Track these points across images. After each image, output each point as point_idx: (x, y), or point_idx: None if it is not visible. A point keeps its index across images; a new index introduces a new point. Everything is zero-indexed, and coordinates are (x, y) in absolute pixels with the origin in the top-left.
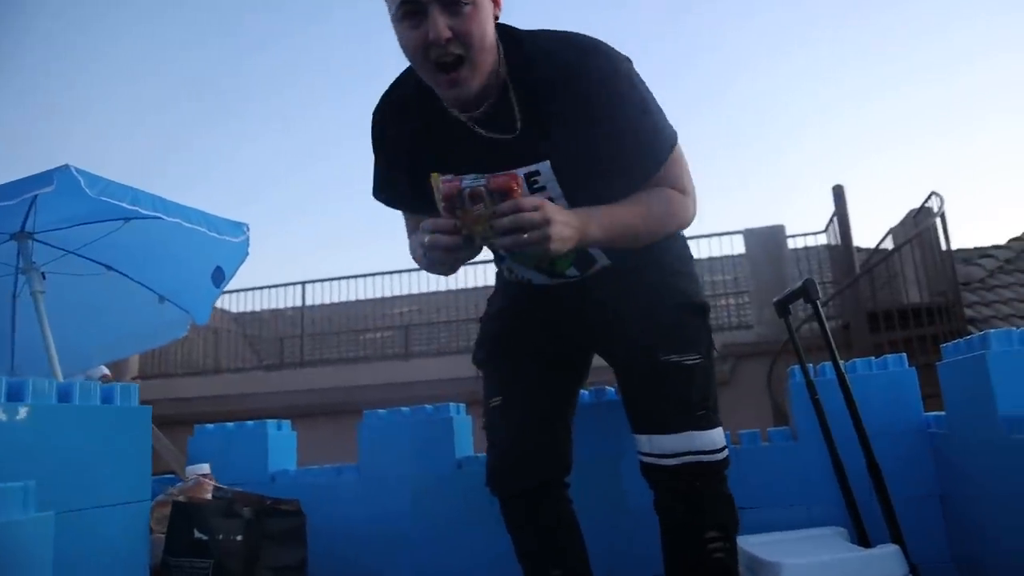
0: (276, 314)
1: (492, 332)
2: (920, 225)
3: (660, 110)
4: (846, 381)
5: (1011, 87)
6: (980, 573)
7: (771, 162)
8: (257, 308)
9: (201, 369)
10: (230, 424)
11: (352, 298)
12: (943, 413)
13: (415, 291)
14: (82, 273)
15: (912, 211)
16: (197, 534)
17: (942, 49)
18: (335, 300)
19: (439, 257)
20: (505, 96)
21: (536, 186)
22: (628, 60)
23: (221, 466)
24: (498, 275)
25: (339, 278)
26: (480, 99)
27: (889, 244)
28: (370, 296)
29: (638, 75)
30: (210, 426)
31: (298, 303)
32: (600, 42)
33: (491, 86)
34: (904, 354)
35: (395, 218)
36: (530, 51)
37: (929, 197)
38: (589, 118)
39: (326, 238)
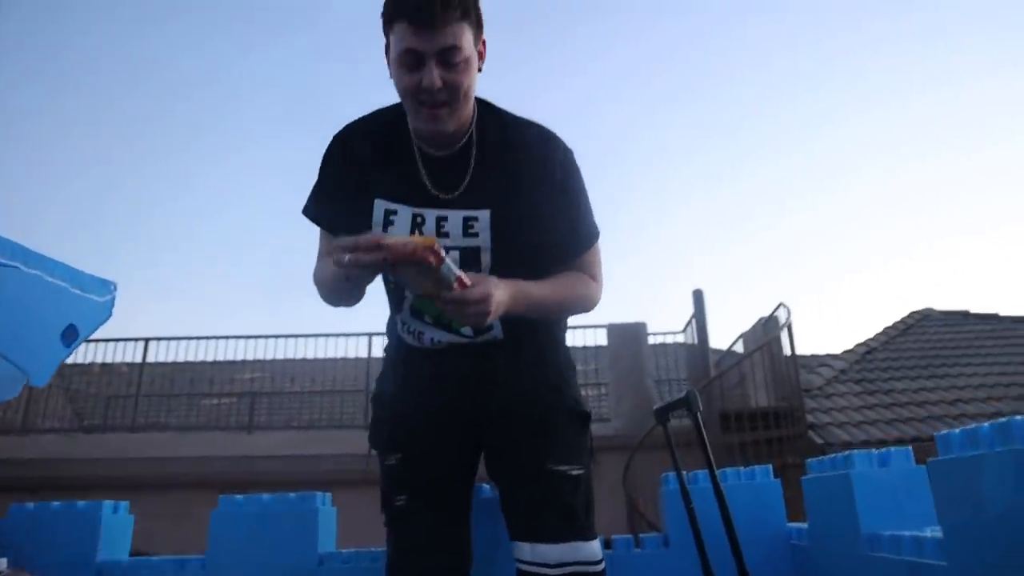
0: (107, 369)
1: (391, 416)
2: (769, 333)
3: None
4: (722, 491)
5: (862, 201)
6: None
7: (635, 259)
8: (85, 360)
9: (6, 426)
10: (56, 503)
11: (195, 358)
12: (805, 525)
13: (267, 357)
14: None
15: (762, 319)
16: None
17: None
18: (176, 359)
19: (353, 273)
20: (467, 146)
21: (470, 231)
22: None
23: (39, 552)
24: (389, 348)
25: (184, 338)
26: (448, 142)
27: (740, 347)
28: (216, 358)
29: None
30: (30, 505)
31: (132, 358)
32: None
33: (460, 135)
34: (770, 465)
35: (252, 282)
36: (500, 119)
37: (778, 307)
38: (540, 185)
39: (173, 293)
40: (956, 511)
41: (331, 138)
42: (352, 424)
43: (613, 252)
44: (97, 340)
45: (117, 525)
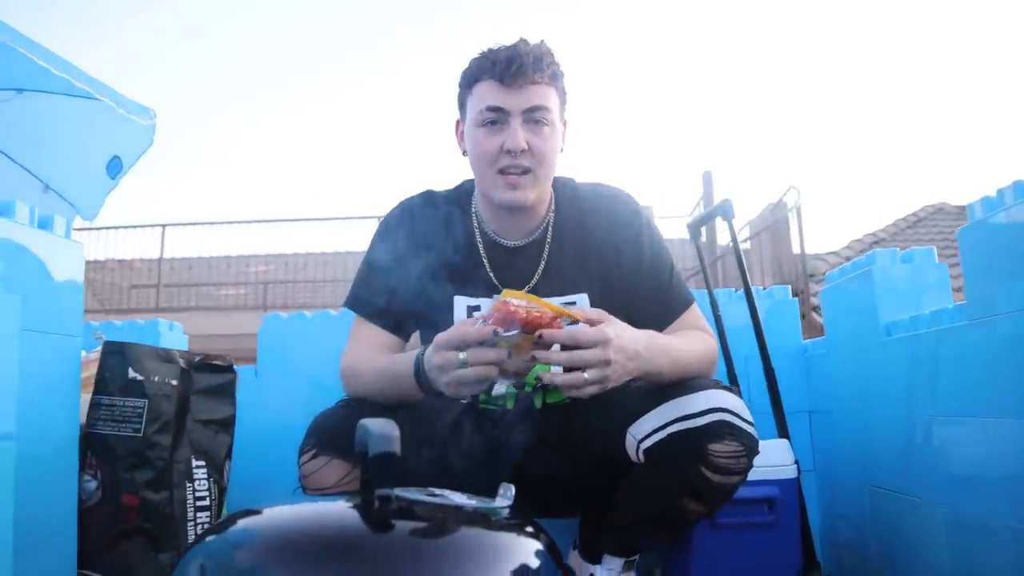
0: (123, 265)
1: None
2: (776, 216)
3: None
4: (752, 296)
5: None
6: (834, 477)
7: (643, 137)
8: (101, 257)
9: None
10: (118, 321)
11: (207, 254)
12: (820, 339)
13: (274, 252)
14: None
15: (771, 204)
16: (132, 373)
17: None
18: (190, 255)
19: (470, 389)
20: (544, 233)
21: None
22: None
23: None
24: None
25: (200, 223)
26: (524, 227)
27: (747, 233)
28: (229, 253)
29: None
30: (94, 323)
31: (147, 254)
32: (633, 198)
33: (536, 222)
34: (788, 286)
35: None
36: (575, 199)
37: (788, 191)
38: (632, 261)
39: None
40: (981, 274)
41: (388, 214)
42: None
43: (617, 130)
44: (114, 227)
45: (174, 342)
